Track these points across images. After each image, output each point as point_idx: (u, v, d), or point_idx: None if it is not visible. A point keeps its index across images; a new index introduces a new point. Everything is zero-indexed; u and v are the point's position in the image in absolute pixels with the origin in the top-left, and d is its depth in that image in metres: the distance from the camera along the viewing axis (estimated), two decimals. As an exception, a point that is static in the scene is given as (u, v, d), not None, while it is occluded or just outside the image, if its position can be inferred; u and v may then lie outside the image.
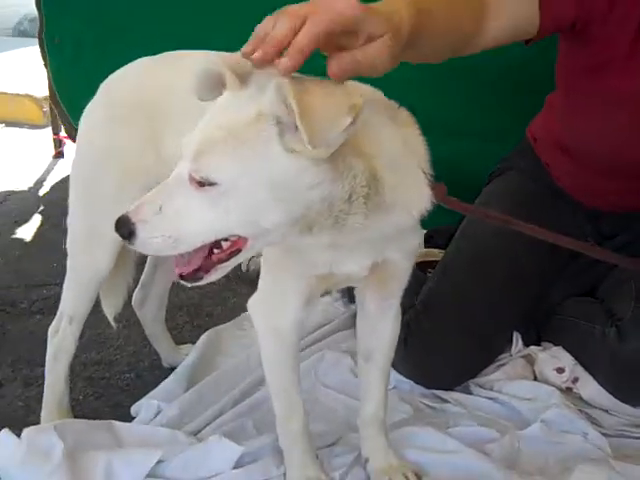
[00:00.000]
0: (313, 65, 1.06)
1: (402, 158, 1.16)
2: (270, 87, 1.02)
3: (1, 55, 6.16)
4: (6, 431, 1.42)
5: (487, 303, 1.82)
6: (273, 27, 1.00)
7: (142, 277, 1.97)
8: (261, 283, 1.39)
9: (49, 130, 4.16)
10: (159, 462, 1.40)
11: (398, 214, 1.18)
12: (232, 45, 1.12)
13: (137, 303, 1.99)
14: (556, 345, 1.89)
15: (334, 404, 1.76)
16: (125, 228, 1.07)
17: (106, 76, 1.63)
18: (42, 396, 1.70)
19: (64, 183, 1.74)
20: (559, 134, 1.91)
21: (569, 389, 1.78)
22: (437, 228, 2.20)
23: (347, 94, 1.02)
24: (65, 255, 1.67)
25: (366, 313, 1.45)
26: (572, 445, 1.59)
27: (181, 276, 1.12)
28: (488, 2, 1.44)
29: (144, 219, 1.07)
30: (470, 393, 1.81)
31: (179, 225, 1.06)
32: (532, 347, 1.92)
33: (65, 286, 1.69)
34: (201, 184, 1.04)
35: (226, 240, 1.09)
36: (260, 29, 1.02)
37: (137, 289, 1.98)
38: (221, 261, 1.11)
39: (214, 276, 1.13)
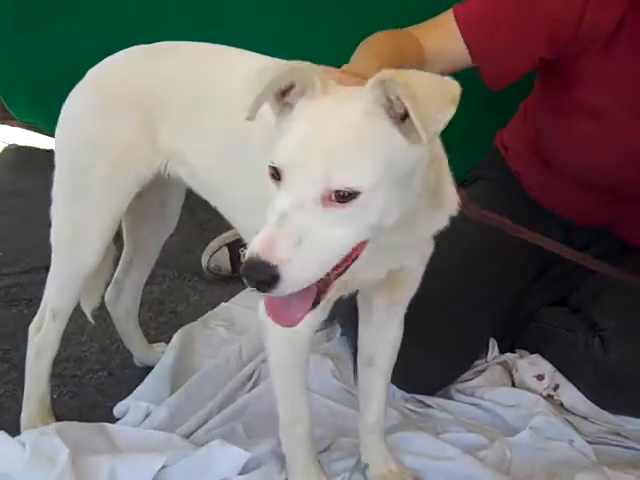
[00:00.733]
0: (314, 61, 1.06)
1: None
2: (371, 83, 1.00)
3: None
4: (3, 434, 1.36)
5: (472, 303, 1.81)
6: None
7: (115, 273, 1.89)
8: None
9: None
10: (161, 467, 1.36)
11: (441, 215, 1.18)
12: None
13: (110, 300, 1.91)
14: (532, 352, 1.92)
15: (321, 408, 1.73)
16: (266, 274, 0.93)
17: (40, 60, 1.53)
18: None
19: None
20: (536, 144, 1.94)
21: (550, 396, 1.81)
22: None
23: (444, 82, 1.01)
24: (6, 243, 1.58)
25: (371, 319, 1.43)
26: (558, 452, 1.61)
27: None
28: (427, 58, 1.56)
29: (287, 258, 0.94)
30: (451, 398, 1.82)
31: (323, 251, 0.97)
32: (507, 354, 1.94)
33: (49, 280, 1.61)
34: (341, 200, 0.97)
35: None
36: None
37: (110, 286, 1.90)
38: (339, 275, 1.03)
39: (330, 293, 1.04)
